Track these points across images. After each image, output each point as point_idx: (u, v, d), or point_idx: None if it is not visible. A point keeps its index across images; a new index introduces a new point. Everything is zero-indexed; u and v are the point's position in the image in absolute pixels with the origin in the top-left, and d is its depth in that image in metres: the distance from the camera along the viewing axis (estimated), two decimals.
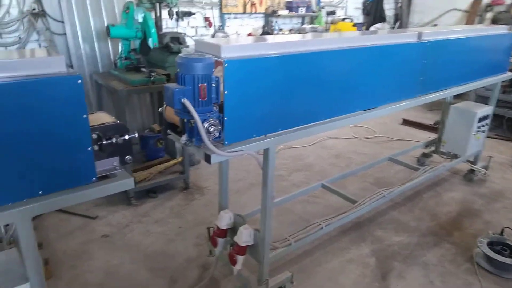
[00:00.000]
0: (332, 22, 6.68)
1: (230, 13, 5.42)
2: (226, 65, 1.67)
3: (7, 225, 2.23)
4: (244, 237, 2.31)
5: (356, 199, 3.15)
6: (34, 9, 3.67)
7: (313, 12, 6.53)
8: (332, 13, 6.95)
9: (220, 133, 1.76)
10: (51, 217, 3.27)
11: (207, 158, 1.73)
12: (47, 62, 1.31)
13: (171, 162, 3.87)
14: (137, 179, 3.55)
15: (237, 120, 1.81)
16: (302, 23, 6.56)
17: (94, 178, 1.46)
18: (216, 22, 5.32)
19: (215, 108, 1.72)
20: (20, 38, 3.71)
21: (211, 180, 3.97)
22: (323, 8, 6.78)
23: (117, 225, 3.22)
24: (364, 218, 3.34)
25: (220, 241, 2.50)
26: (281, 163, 4.50)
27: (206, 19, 5.16)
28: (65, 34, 3.73)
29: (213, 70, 1.66)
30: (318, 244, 3.00)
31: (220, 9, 5.29)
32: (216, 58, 1.70)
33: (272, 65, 1.86)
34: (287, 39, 2.14)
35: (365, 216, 3.35)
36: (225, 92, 1.72)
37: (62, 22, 3.70)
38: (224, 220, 2.47)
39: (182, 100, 1.56)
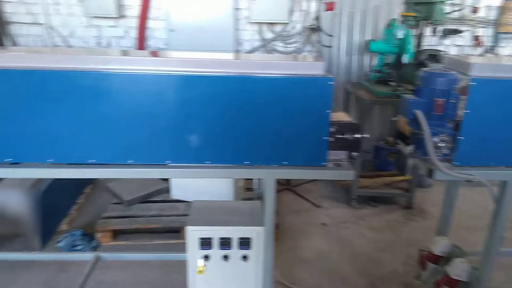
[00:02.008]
0: None
1: (507, 33, 4.76)
2: (472, 83, 1.63)
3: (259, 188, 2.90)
4: (457, 270, 2.14)
5: None
6: (312, 25, 4.43)
7: None
8: None
9: (450, 152, 1.73)
10: (287, 196, 3.94)
11: (430, 173, 1.74)
12: (310, 65, 1.69)
13: (399, 178, 3.87)
14: (361, 184, 3.76)
15: (474, 142, 1.72)
16: None
17: (324, 163, 1.76)
18: (488, 42, 4.79)
19: (449, 125, 1.70)
20: (297, 48, 4.57)
21: (438, 207, 3.71)
22: None
23: (336, 219, 3.54)
24: None
25: (430, 266, 2.39)
26: None
27: (476, 38, 4.73)
28: (331, 46, 4.34)
29: (455, 86, 1.65)
30: None
31: (496, 27, 4.72)
32: (463, 76, 1.68)
33: None
34: None
35: None
36: (466, 111, 1.67)
37: (331, 36, 4.31)
38: (440, 246, 2.35)
39: (415, 111, 1.65)
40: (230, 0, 4.28)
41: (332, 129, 1.78)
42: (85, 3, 4.19)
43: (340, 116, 1.95)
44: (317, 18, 4.41)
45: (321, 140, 1.72)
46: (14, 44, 4.43)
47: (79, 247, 2.86)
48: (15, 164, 1.70)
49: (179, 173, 1.76)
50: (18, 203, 2.71)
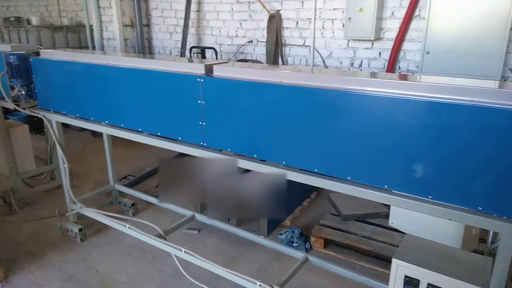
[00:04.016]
0: None
1: None
2: None
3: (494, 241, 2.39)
4: None
5: None
6: None
7: None
8: None
9: None
10: None
11: None
12: None
13: None
14: None
15: None
16: None
17: None
18: None
19: None
20: None
21: None
22: None
23: None
24: None
25: None
26: None
27: None
28: None
29: None
30: None
31: None
32: None
33: None
34: None
35: None
36: None
37: None
38: None
39: None
40: (508, 18, 3.67)
41: None
42: (347, 27, 4.56)
43: None
44: None
45: None
46: (284, 63, 5.32)
47: (294, 244, 3.16)
48: (261, 160, 2.07)
49: (397, 202, 1.68)
50: (263, 193, 3.25)
